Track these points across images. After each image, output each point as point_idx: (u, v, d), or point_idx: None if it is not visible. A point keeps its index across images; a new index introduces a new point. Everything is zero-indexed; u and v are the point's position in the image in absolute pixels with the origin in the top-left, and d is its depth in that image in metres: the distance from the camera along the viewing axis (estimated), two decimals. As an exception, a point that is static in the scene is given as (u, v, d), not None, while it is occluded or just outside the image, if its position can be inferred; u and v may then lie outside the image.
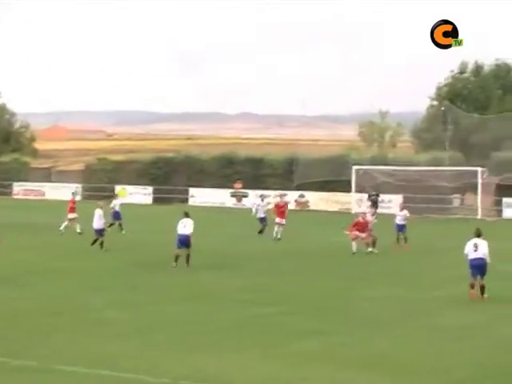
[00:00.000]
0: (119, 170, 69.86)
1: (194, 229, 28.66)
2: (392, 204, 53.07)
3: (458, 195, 58.77)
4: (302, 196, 60.68)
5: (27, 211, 54.41)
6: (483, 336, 18.53)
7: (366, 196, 55.10)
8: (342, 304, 22.49)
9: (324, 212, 57.18)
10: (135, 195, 64.47)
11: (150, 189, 67.13)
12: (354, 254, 33.03)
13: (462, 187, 57.38)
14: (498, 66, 73.53)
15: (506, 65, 74.15)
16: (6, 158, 76.02)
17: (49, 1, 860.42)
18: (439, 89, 73.74)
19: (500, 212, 55.49)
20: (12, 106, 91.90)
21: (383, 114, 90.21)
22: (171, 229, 30.12)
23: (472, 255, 22.62)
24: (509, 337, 18.43)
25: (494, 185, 56.16)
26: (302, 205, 59.64)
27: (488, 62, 74.17)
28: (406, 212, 37.02)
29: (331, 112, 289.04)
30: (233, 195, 63.82)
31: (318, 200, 60.46)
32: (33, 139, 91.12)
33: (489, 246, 22.70)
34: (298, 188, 60.80)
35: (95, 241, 33.73)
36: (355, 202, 57.02)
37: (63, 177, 73.66)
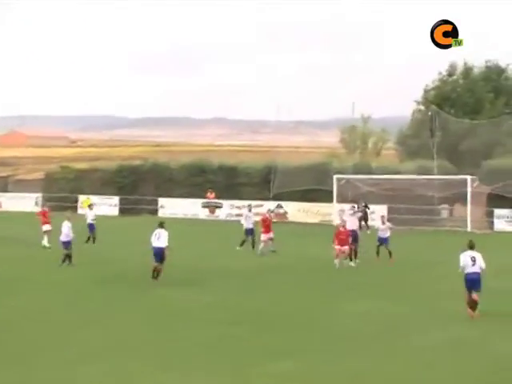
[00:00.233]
0: (82, 178, 69.59)
1: (166, 242, 28.81)
2: (375, 216, 53.09)
3: (446, 206, 58.63)
4: (279, 207, 60.81)
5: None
6: (472, 352, 18.75)
7: (350, 206, 54.94)
8: (321, 320, 22.65)
9: (303, 224, 57.26)
10: (100, 206, 64.19)
11: (116, 199, 66.93)
12: (337, 269, 33.36)
13: (451, 197, 56.95)
14: (488, 67, 73.60)
15: (497, 66, 74.10)
16: (-41, 167, 75.73)
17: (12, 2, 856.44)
18: (426, 92, 73.70)
19: (491, 224, 54.96)
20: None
21: (365, 119, 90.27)
22: (140, 241, 30.17)
23: (470, 269, 22.59)
24: (493, 352, 18.68)
25: (485, 195, 55.26)
26: (280, 216, 59.73)
27: (478, 63, 74.16)
28: (388, 224, 37.20)
29: (311, 117, 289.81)
30: (205, 206, 63.72)
31: (296, 211, 60.53)
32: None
33: (484, 258, 22.89)
34: (275, 198, 60.90)
35: (65, 258, 33.45)
36: (337, 214, 56.95)
37: (22, 186, 73.35)
